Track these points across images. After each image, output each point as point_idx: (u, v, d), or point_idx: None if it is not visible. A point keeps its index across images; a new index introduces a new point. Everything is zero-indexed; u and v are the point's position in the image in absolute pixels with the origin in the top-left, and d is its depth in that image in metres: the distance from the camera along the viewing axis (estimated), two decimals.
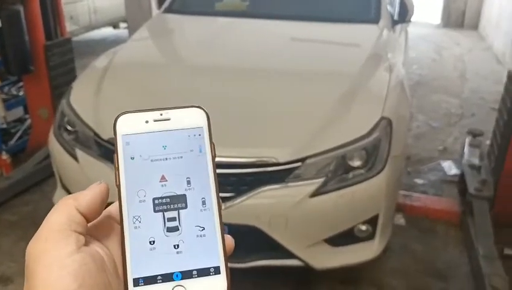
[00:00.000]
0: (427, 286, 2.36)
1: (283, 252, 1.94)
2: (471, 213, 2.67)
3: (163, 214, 0.40)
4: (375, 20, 2.97)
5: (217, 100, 2.20)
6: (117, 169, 0.41)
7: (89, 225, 0.40)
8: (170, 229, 0.40)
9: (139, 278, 0.38)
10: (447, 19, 9.10)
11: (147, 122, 0.42)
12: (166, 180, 0.41)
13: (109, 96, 2.25)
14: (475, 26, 8.75)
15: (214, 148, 0.43)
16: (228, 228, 2.03)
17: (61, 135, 2.23)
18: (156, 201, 0.40)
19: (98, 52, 3.09)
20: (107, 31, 8.04)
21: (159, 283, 0.38)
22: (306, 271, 2.07)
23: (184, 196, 0.41)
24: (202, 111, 0.44)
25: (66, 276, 0.35)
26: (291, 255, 1.95)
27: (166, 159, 0.41)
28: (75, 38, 6.45)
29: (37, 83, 3.30)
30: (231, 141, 1.95)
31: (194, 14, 3.28)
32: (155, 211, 0.40)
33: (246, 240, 1.95)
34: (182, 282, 0.39)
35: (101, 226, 0.42)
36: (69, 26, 5.58)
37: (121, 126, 0.42)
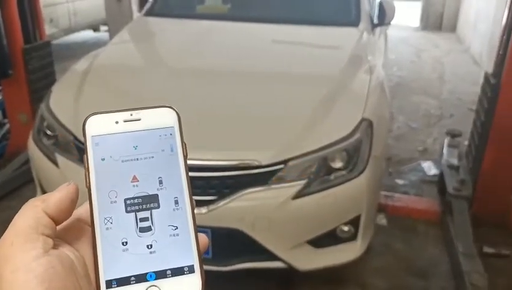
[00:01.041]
0: (408, 284, 2.40)
1: (266, 254, 1.95)
2: (450, 212, 2.72)
3: (136, 214, 0.40)
4: (355, 23, 3.01)
5: (199, 103, 2.20)
6: (87, 170, 0.40)
7: (58, 227, 0.39)
8: (143, 230, 0.40)
9: (111, 280, 0.38)
10: (426, 22, 9.26)
11: (117, 122, 0.42)
12: (138, 181, 0.41)
13: (90, 100, 2.23)
14: (453, 28, 8.92)
15: (186, 147, 0.43)
16: (211, 231, 2.03)
17: (41, 140, 2.20)
18: (128, 202, 0.40)
19: (78, 55, 3.06)
20: (88, 34, 7.96)
21: (133, 283, 0.38)
22: (289, 272, 2.08)
23: (156, 195, 0.41)
24: (173, 111, 0.44)
25: (32, 280, 0.34)
26: (275, 257, 1.96)
27: (137, 159, 0.41)
28: (54, 42, 6.37)
29: (15, 87, 3.25)
30: (213, 144, 1.95)
31: (175, 17, 3.28)
32: (127, 211, 0.40)
33: (229, 243, 1.96)
34: (156, 282, 0.38)
35: (70, 228, 0.41)
36: (48, 29, 5.50)
37: (90, 127, 0.41)
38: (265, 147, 1.96)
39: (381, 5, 3.16)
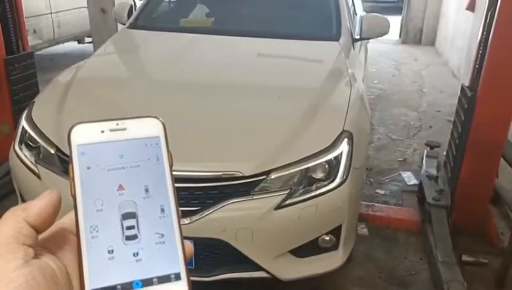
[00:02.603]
0: None
1: (249, 264, 1.96)
2: (430, 221, 2.77)
3: (122, 222, 0.40)
4: (336, 38, 3.08)
5: (182, 115, 2.22)
6: (72, 179, 0.40)
7: (40, 236, 0.39)
8: (129, 238, 0.39)
9: (97, 289, 0.38)
10: (406, 36, 9.46)
11: (102, 132, 0.42)
12: (124, 189, 0.41)
13: (72, 112, 2.23)
14: (432, 42, 9.13)
15: (171, 157, 0.43)
16: (194, 242, 2.04)
17: (23, 151, 2.19)
18: (114, 210, 0.40)
19: (62, 67, 3.05)
20: (72, 46, 7.91)
21: None
22: (271, 282, 2.09)
23: (142, 204, 0.41)
24: (158, 121, 0.44)
25: None
26: (258, 267, 1.97)
27: (123, 168, 0.41)
28: (38, 53, 6.34)
29: None
30: (196, 155, 1.96)
31: (158, 29, 3.30)
32: (113, 219, 0.40)
33: (212, 253, 1.97)
34: None
35: (53, 237, 0.40)
36: (32, 40, 5.46)
37: (75, 136, 0.41)
38: (247, 159, 1.99)
39: (362, 21, 3.24)
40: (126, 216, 0.40)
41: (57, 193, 0.40)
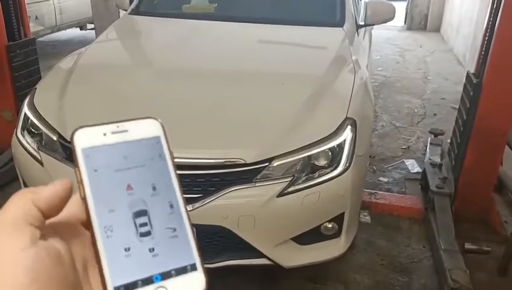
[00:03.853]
0: (391, 280, 2.44)
1: (251, 251, 1.97)
2: (433, 209, 2.77)
3: (134, 220, 0.41)
4: (340, 24, 3.04)
5: (184, 102, 2.21)
6: (80, 182, 0.41)
7: (48, 221, 0.39)
8: (143, 234, 0.41)
9: (119, 286, 0.39)
10: (411, 22, 9.37)
11: (104, 134, 0.43)
12: (133, 189, 0.42)
13: (74, 98, 2.22)
14: (437, 29, 9.04)
15: (173, 156, 0.45)
16: (196, 229, 2.03)
17: (25, 138, 2.19)
18: (126, 209, 0.41)
19: (64, 53, 3.04)
20: (74, 32, 7.88)
21: (140, 287, 0.39)
22: (273, 269, 2.10)
23: (152, 201, 0.42)
24: (157, 121, 0.45)
25: (18, 270, 0.34)
26: (260, 255, 1.98)
27: (129, 168, 0.42)
28: (40, 39, 6.32)
29: (0, 84, 3.22)
30: (198, 143, 1.96)
31: (161, 16, 3.27)
32: (126, 218, 0.41)
33: (214, 240, 1.97)
34: (163, 283, 0.40)
35: (61, 223, 0.41)
36: (33, 27, 5.44)
37: (79, 140, 0.42)
38: (250, 146, 1.98)
39: (366, 6, 3.20)
40: (138, 214, 0.41)
41: (69, 182, 0.41)
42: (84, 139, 0.42)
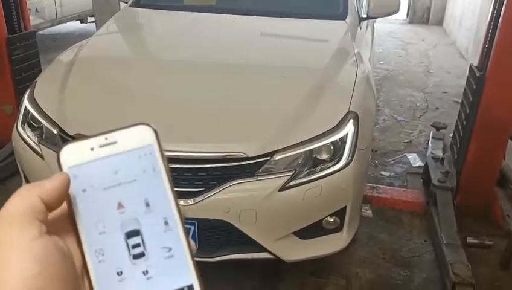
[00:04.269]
0: (393, 274, 2.43)
1: (253, 245, 1.96)
2: (435, 203, 2.76)
3: (126, 241, 0.39)
4: (343, 16, 3.01)
5: (185, 96, 2.20)
6: (68, 204, 0.39)
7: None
8: (136, 256, 0.38)
9: None
10: (413, 15, 9.31)
11: (92, 149, 0.40)
12: (124, 207, 0.39)
13: (74, 92, 2.21)
14: (440, 22, 8.98)
15: (168, 163, 0.41)
16: (198, 223, 2.04)
17: (26, 131, 2.18)
18: (117, 230, 0.39)
19: (64, 46, 3.02)
20: (74, 25, 7.85)
21: None
22: (275, 263, 2.09)
23: (144, 219, 0.40)
24: (148, 128, 0.42)
25: (28, 260, 0.34)
26: (261, 249, 1.97)
27: (119, 184, 0.40)
28: (40, 33, 6.29)
29: (0, 78, 3.21)
30: (200, 136, 1.95)
31: (161, 8, 3.25)
32: (117, 240, 0.39)
33: (215, 234, 1.97)
34: None
35: (57, 220, 0.40)
36: (34, 20, 5.41)
37: (65, 158, 0.40)
38: (252, 139, 1.97)
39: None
40: (130, 235, 0.39)
41: (67, 175, 0.40)
42: (69, 157, 0.40)
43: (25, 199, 0.37)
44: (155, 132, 0.42)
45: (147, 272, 0.38)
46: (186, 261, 0.39)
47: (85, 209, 0.39)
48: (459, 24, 7.33)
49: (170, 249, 0.39)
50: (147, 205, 0.40)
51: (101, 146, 0.40)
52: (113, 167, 0.40)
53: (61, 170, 0.40)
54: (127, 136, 0.41)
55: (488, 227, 2.78)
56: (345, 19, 2.99)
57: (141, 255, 0.39)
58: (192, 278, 0.39)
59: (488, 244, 2.62)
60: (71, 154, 0.40)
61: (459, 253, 2.38)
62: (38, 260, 0.35)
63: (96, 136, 0.41)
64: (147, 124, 0.42)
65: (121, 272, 0.38)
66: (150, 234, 0.39)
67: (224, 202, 1.88)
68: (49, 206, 0.38)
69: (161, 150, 0.42)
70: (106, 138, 0.41)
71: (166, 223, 0.40)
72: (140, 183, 0.40)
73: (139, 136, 0.41)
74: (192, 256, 0.40)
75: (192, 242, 0.41)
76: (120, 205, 0.39)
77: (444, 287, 2.28)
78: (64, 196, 0.39)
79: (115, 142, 0.41)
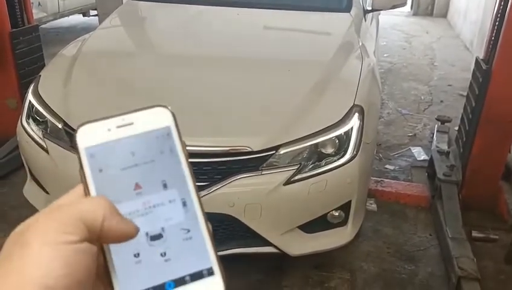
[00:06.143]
0: (397, 268, 2.43)
1: (258, 239, 1.96)
2: (440, 197, 2.75)
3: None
4: (347, 9, 2.99)
5: (189, 89, 2.19)
6: (85, 184, 0.38)
7: None
8: (153, 238, 0.38)
9: None
10: (417, 8, 9.24)
11: (109, 130, 0.40)
12: (141, 188, 0.39)
13: (79, 85, 2.21)
14: (444, 14, 8.91)
15: (185, 146, 0.41)
16: None
17: (30, 126, 2.17)
18: (134, 211, 0.38)
19: (67, 40, 3.01)
20: (77, 19, 7.82)
21: None
22: (280, 257, 2.09)
23: (163, 200, 0.39)
24: (166, 110, 0.41)
25: (58, 260, 0.33)
26: (266, 243, 1.97)
27: (136, 165, 0.39)
28: (43, 26, 6.27)
29: (3, 72, 3.20)
30: (205, 130, 1.94)
31: (164, 1, 3.23)
32: (134, 221, 0.38)
33: (220, 228, 1.97)
34: None
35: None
36: (36, 14, 5.40)
37: (82, 138, 0.39)
38: (256, 133, 1.96)
39: None
40: (147, 216, 0.38)
41: (136, 230, 0.38)
42: (87, 138, 0.39)
43: (93, 205, 0.36)
44: (173, 114, 0.41)
45: (165, 254, 0.38)
46: (204, 244, 0.39)
47: (101, 190, 0.38)
48: (464, 17, 7.27)
49: (188, 230, 0.39)
50: (165, 186, 0.39)
51: (118, 127, 0.40)
52: (130, 147, 0.40)
53: (77, 150, 0.39)
54: (145, 117, 0.41)
55: (494, 221, 2.77)
56: (349, 12, 2.96)
57: (159, 236, 0.38)
58: (211, 261, 0.38)
59: (493, 238, 2.61)
60: (88, 135, 0.40)
61: (464, 247, 2.37)
62: (68, 263, 0.34)
63: (113, 117, 0.40)
64: (165, 106, 0.42)
65: (138, 254, 0.37)
66: (168, 215, 0.39)
67: (229, 196, 1.87)
68: (97, 235, 0.36)
69: (179, 132, 0.41)
70: (123, 119, 0.40)
71: (184, 204, 0.39)
72: (158, 164, 0.40)
73: (157, 118, 0.41)
74: (211, 238, 0.39)
75: (209, 226, 0.40)
76: (137, 186, 0.39)
77: (449, 281, 2.27)
78: (122, 241, 0.38)
79: (131, 123, 0.40)
